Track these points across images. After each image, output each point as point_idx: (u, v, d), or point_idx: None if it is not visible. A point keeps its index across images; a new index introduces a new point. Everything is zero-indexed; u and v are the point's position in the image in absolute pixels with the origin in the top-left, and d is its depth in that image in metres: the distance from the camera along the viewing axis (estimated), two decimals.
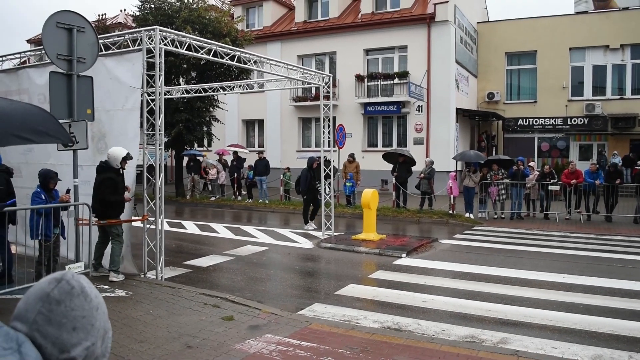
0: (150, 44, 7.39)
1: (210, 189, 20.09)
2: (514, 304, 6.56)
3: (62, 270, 1.20)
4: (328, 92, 11.83)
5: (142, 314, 5.80)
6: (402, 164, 16.11)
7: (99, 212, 7.15)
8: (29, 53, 9.63)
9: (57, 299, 1.11)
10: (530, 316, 6.07)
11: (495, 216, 15.09)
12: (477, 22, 25.79)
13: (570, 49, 23.95)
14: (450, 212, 14.84)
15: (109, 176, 7.07)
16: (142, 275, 7.56)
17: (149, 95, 7.57)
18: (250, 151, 23.14)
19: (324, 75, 11.80)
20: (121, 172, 7.28)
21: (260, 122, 26.64)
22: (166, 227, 10.27)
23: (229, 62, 9.17)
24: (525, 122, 24.80)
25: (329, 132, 12.01)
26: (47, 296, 1.11)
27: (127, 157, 7.23)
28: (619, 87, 23.64)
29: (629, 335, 5.44)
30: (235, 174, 19.48)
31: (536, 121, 24.57)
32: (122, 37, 7.87)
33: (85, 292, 1.14)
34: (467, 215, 14.71)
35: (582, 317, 6.04)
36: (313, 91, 23.17)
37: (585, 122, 23.60)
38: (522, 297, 6.87)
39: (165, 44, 7.63)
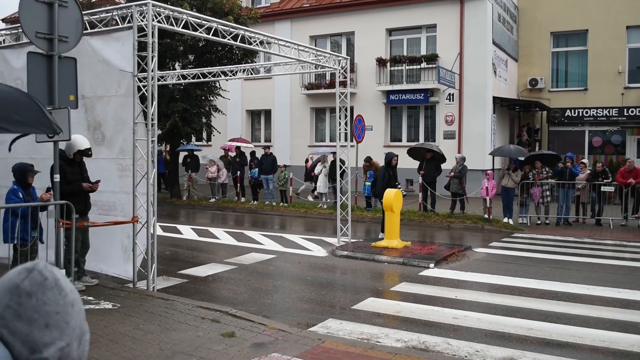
0: (142, 20, 7.44)
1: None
2: (560, 322, 6.50)
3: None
4: (345, 78, 11.81)
5: (131, 328, 5.84)
6: (430, 160, 16.02)
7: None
8: (4, 32, 9.76)
9: (27, 291, 1.12)
10: (579, 336, 6.02)
11: (539, 222, 14.95)
12: None
13: (628, 27, 23.58)
14: (486, 216, 14.75)
15: (59, 163, 7.10)
16: (132, 286, 7.62)
17: (140, 80, 7.62)
18: (255, 146, 23.22)
19: (340, 58, 11.78)
20: (77, 161, 7.52)
21: (267, 113, 26.72)
22: (159, 231, 10.34)
23: (232, 42, 9.20)
24: (574, 113, 24.49)
25: (345, 124, 11.99)
26: (16, 288, 1.12)
27: (85, 153, 7.47)
28: None
29: None
30: (239, 172, 19.56)
31: (587, 112, 24.24)
32: (110, 14, 7.93)
33: (60, 286, 1.15)
34: (505, 220, 14.61)
35: None
36: (328, 77, 23.16)
37: None
38: (570, 315, 6.81)
39: (159, 21, 7.69)
